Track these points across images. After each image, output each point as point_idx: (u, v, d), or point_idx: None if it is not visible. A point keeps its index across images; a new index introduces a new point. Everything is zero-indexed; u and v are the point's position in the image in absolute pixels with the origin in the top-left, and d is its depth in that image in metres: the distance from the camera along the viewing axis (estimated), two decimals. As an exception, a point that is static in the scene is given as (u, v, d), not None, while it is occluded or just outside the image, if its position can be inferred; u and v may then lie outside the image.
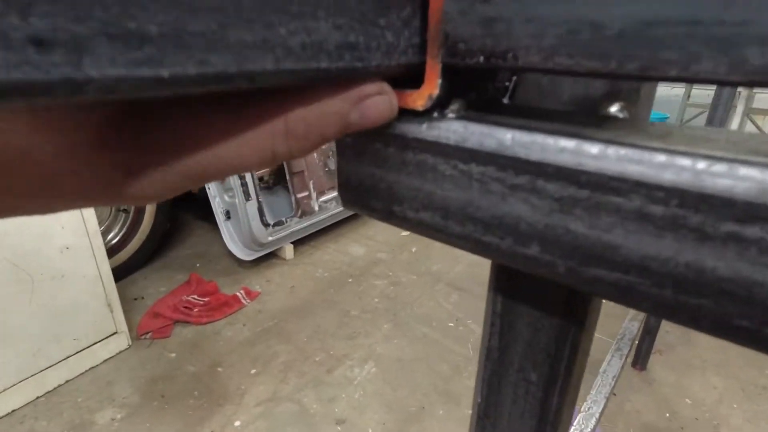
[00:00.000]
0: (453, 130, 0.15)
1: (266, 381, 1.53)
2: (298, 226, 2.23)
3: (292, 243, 2.29)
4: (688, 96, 3.98)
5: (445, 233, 0.16)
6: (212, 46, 0.10)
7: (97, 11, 0.08)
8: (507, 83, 0.18)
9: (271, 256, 2.27)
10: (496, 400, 0.24)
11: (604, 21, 0.11)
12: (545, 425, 0.23)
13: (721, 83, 0.10)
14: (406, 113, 0.16)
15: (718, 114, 1.23)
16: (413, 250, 2.40)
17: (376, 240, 2.50)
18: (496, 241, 0.15)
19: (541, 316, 0.21)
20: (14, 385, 1.39)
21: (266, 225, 2.07)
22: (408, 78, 0.16)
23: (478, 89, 0.17)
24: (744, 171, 0.10)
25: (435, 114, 0.15)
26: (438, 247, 2.41)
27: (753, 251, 0.10)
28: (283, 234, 2.18)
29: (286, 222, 2.18)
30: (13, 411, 1.40)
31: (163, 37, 0.09)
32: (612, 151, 0.12)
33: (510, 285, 0.21)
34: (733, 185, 0.10)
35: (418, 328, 1.81)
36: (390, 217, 0.18)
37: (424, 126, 0.16)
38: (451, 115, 0.15)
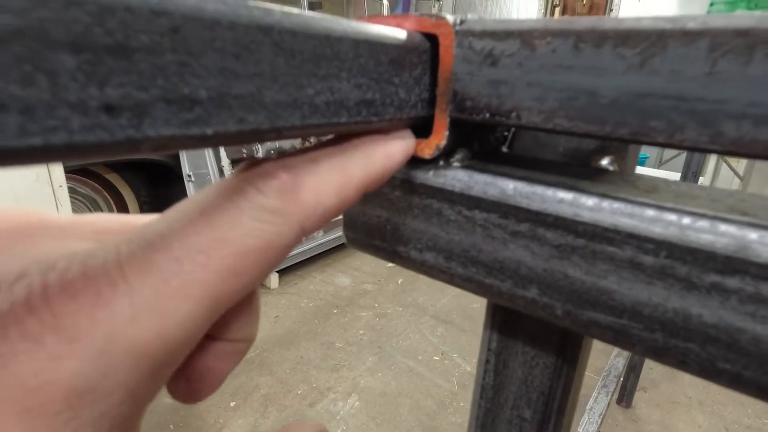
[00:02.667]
0: (458, 178, 0.16)
1: (246, 414, 1.48)
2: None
3: (277, 272, 2.27)
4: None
5: (447, 274, 0.17)
6: (250, 106, 0.11)
7: (159, 80, 0.09)
8: (506, 133, 0.20)
9: (255, 285, 2.24)
10: (490, 438, 0.25)
11: (600, 90, 0.13)
12: (539, 463, 0.23)
13: (702, 151, 0.11)
14: (413, 160, 0.17)
15: (695, 158, 1.29)
16: (399, 281, 2.39)
17: (363, 271, 2.49)
18: (497, 284, 0.16)
19: (535, 355, 0.22)
20: None
21: (252, 253, 2.05)
22: (416, 128, 0.17)
23: (480, 139, 0.18)
24: (724, 228, 0.12)
25: (441, 162, 0.17)
26: (424, 279, 2.41)
27: (734, 300, 0.11)
28: (269, 262, 2.16)
29: (273, 250, 2.16)
30: None
31: (211, 100, 0.10)
32: (606, 204, 0.13)
33: (505, 324, 0.22)
34: (715, 240, 0.12)
35: (403, 361, 1.79)
36: (394, 256, 0.19)
37: (431, 173, 0.17)
38: (456, 164, 0.17)
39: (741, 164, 2.89)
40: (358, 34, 0.13)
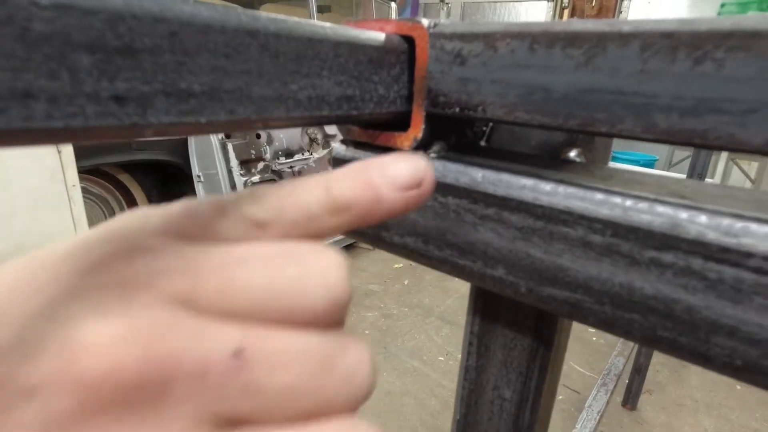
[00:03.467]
0: (434, 168, 0.17)
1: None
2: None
3: (285, 271, 2.29)
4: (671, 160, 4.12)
5: (426, 256, 0.19)
6: (239, 99, 0.12)
7: (160, 76, 0.10)
8: (484, 128, 0.21)
9: (263, 284, 2.26)
10: (474, 418, 0.26)
11: (552, 86, 0.14)
12: (518, 441, 0.24)
13: (638, 139, 0.13)
14: (392, 152, 0.18)
15: (701, 159, 1.29)
16: (405, 282, 2.41)
17: (369, 271, 2.51)
18: (470, 264, 0.17)
19: (514, 337, 0.23)
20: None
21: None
22: (396, 122, 0.18)
23: (457, 133, 0.20)
24: (661, 209, 0.13)
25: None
26: (430, 280, 2.42)
27: (669, 274, 0.13)
28: (276, 262, 2.18)
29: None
30: None
31: (204, 93, 0.11)
32: (561, 189, 0.15)
33: (486, 308, 0.24)
34: (652, 219, 0.13)
35: (408, 361, 1.80)
36: (378, 241, 0.20)
37: (410, 163, 0.18)
38: (432, 155, 0.18)
39: (752, 167, 2.86)
40: (338, 36, 0.14)
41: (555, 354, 0.23)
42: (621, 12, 4.75)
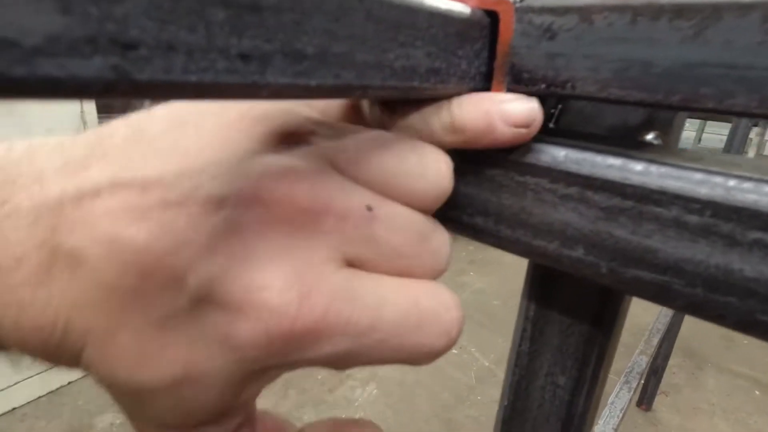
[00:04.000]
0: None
1: (266, 395, 1.53)
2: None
3: (300, 260, 2.31)
4: (699, 139, 4.03)
5: (496, 237, 0.19)
6: (344, 64, 0.12)
7: (280, 35, 0.10)
8: (553, 110, 0.21)
9: (278, 272, 2.28)
10: (523, 404, 0.26)
11: (652, 60, 0.14)
12: (570, 428, 0.24)
13: (751, 116, 0.12)
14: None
15: (738, 135, 1.26)
16: (420, 274, 2.41)
17: (384, 262, 2.51)
18: (545, 245, 0.17)
19: (571, 323, 0.23)
20: (18, 382, 1.40)
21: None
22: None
23: (530, 113, 0.19)
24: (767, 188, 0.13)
25: (495, 132, 0.18)
26: (446, 274, 2.42)
27: (775, 255, 0.12)
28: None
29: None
30: (14, 409, 1.40)
31: (316, 55, 0.11)
32: (654, 168, 0.14)
33: (544, 292, 0.23)
34: (759, 199, 0.13)
35: (421, 352, 1.81)
36: (444, 221, 0.20)
37: (485, 142, 0.18)
38: (509, 133, 0.18)
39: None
40: (432, 7, 0.14)
41: (612, 340, 0.23)
42: None
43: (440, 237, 0.17)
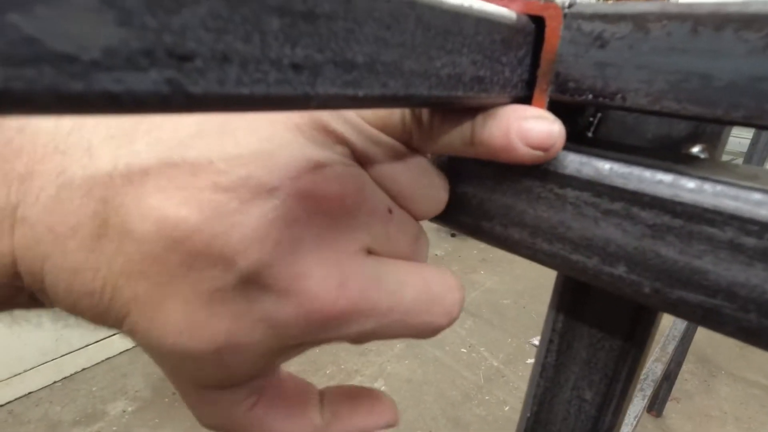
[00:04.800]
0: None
1: (276, 389, 1.54)
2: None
3: (311, 254, 2.32)
4: None
5: (531, 249, 0.18)
6: (392, 73, 0.12)
7: (332, 44, 0.10)
8: (591, 119, 0.20)
9: (289, 265, 2.29)
10: (546, 417, 0.25)
11: (714, 73, 0.13)
12: (596, 444, 0.24)
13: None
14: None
15: (753, 162, 1.23)
16: (430, 271, 2.40)
17: (394, 258, 2.51)
18: (583, 260, 0.17)
19: (602, 338, 0.22)
20: (34, 367, 1.42)
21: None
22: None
23: (569, 122, 0.19)
24: (836, 213, 0.12)
25: (534, 141, 0.17)
26: (455, 272, 2.41)
27: (841, 284, 0.12)
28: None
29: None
30: (30, 393, 1.43)
31: (365, 65, 0.11)
32: (708, 186, 0.14)
33: (574, 305, 0.23)
34: (826, 225, 0.12)
35: (430, 350, 1.80)
36: (477, 231, 0.20)
37: (524, 151, 0.17)
38: (549, 143, 0.17)
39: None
40: (479, 12, 0.14)
41: (644, 356, 0.22)
42: None
43: (425, 237, 0.20)
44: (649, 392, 0.87)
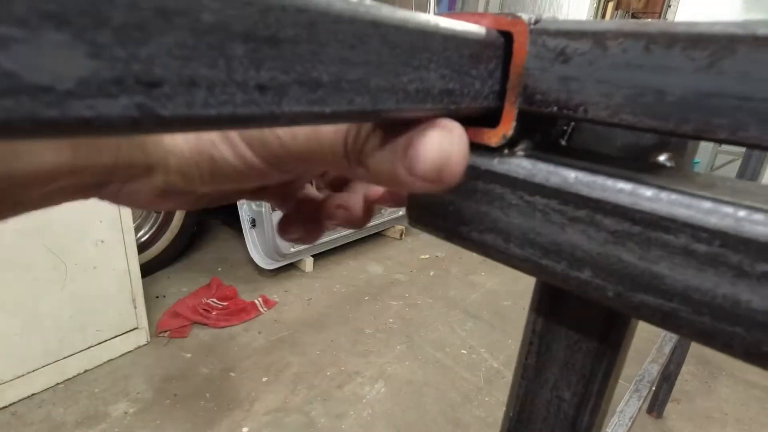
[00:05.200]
0: (522, 166, 0.17)
1: (277, 390, 1.55)
2: (319, 239, 2.27)
3: (312, 256, 2.33)
4: (716, 155, 3.96)
5: (505, 254, 0.19)
6: (358, 90, 0.12)
7: (297, 66, 0.11)
8: (565, 127, 0.21)
9: (290, 267, 2.30)
10: (528, 416, 0.26)
11: (667, 89, 0.14)
12: (575, 442, 0.24)
13: (764, 149, 0.12)
14: (479, 147, 0.18)
15: (751, 164, 1.23)
16: (431, 273, 2.41)
17: (396, 261, 2.51)
18: (552, 265, 0.17)
19: (578, 339, 0.23)
20: (36, 369, 1.43)
21: (289, 236, 2.12)
22: (484, 117, 0.18)
23: (542, 131, 0.19)
24: (779, 221, 0.13)
25: (506, 151, 0.18)
26: (455, 273, 2.41)
27: (784, 289, 0.12)
28: (304, 246, 2.22)
29: (309, 235, 2.22)
30: (33, 395, 1.44)
31: (330, 83, 0.12)
32: (665, 195, 0.14)
33: (551, 308, 0.23)
34: (769, 232, 0.13)
35: (430, 352, 1.81)
36: (454, 236, 0.20)
37: (496, 160, 0.18)
38: (520, 152, 0.18)
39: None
40: (447, 30, 0.14)
41: (620, 357, 0.23)
42: (669, 6, 4.54)
43: None
44: (644, 393, 0.87)
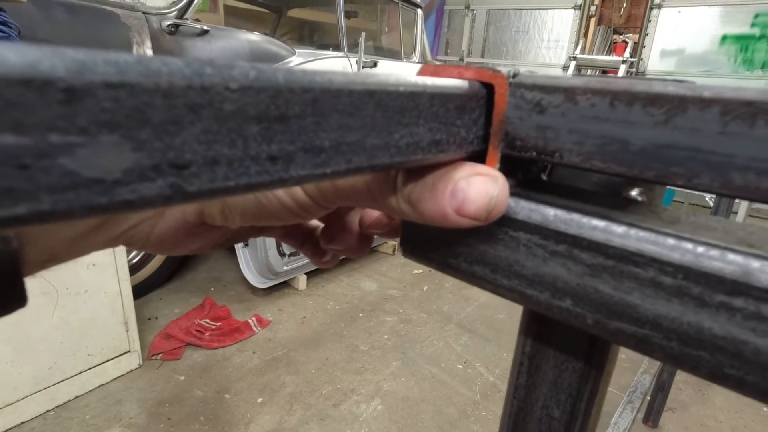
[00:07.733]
0: (507, 201, 0.19)
1: (272, 411, 1.53)
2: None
3: (305, 274, 2.33)
4: None
5: (493, 284, 0.20)
6: (356, 150, 0.14)
7: (302, 136, 0.12)
8: (546, 164, 0.22)
9: (284, 286, 2.30)
10: (521, 434, 0.27)
11: (630, 140, 0.15)
12: (565, 459, 0.25)
13: (715, 194, 0.14)
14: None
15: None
16: (425, 288, 2.41)
17: (389, 276, 2.52)
18: (537, 294, 0.19)
19: (565, 360, 0.24)
20: (27, 396, 1.41)
21: (282, 254, 2.12)
22: (470, 159, 0.20)
23: (523, 169, 0.21)
24: (732, 257, 0.14)
25: (491, 189, 0.20)
26: (449, 288, 2.42)
27: (738, 317, 0.14)
28: (297, 264, 2.22)
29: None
30: (23, 423, 1.41)
31: (331, 147, 0.13)
32: (633, 232, 0.16)
33: (539, 331, 0.25)
34: (723, 267, 0.14)
35: (426, 368, 1.80)
36: (445, 267, 0.22)
37: (482, 198, 0.20)
38: (504, 191, 0.19)
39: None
40: (433, 88, 0.16)
41: (604, 377, 0.24)
42: (650, 21, 4.67)
43: None
44: (638, 404, 0.89)
